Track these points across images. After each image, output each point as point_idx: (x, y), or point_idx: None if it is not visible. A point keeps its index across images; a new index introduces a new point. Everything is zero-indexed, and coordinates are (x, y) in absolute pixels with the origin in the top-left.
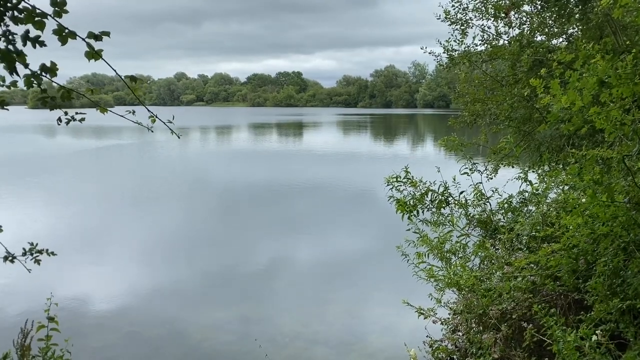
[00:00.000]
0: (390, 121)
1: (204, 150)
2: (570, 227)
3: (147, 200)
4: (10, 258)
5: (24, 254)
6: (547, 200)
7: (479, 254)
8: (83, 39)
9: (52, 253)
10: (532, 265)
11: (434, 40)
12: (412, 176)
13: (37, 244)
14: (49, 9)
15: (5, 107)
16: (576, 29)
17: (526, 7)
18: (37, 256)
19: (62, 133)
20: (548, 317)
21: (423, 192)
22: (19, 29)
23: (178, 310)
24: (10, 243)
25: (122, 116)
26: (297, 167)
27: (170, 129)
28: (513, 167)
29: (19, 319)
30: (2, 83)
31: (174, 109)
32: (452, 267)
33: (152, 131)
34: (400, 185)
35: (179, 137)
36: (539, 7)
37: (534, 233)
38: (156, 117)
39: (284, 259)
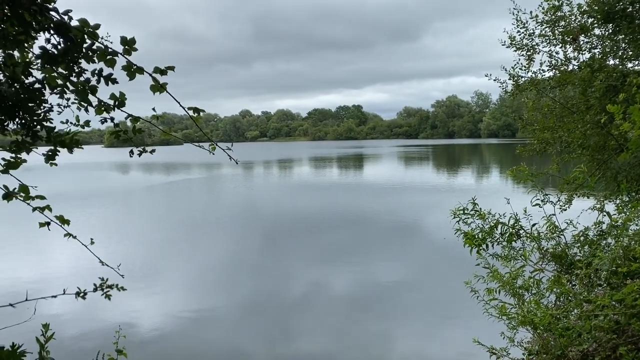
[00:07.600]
0: (453, 151)
1: (265, 183)
2: None
3: (203, 231)
4: (82, 294)
5: (95, 289)
6: (628, 233)
7: (555, 290)
8: (150, 74)
9: (122, 288)
10: (615, 303)
11: (484, 70)
12: (480, 208)
13: (107, 279)
14: (118, 47)
15: (80, 146)
16: None
17: (597, 31)
18: (108, 291)
19: (134, 170)
20: None
21: (492, 224)
22: (89, 65)
23: (211, 341)
24: (60, 270)
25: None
26: (354, 198)
27: (229, 155)
28: (588, 197)
29: (75, 347)
30: (76, 122)
31: (239, 145)
32: (526, 304)
33: (237, 162)
34: (468, 218)
35: (237, 163)
36: (610, 30)
37: (614, 268)
38: (216, 144)
39: (328, 289)
